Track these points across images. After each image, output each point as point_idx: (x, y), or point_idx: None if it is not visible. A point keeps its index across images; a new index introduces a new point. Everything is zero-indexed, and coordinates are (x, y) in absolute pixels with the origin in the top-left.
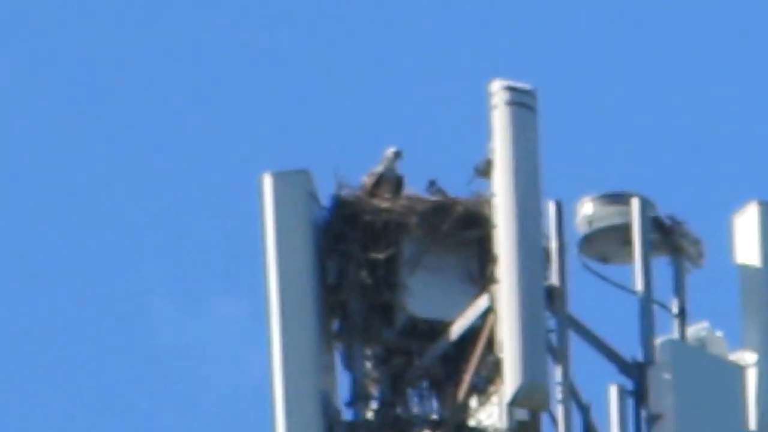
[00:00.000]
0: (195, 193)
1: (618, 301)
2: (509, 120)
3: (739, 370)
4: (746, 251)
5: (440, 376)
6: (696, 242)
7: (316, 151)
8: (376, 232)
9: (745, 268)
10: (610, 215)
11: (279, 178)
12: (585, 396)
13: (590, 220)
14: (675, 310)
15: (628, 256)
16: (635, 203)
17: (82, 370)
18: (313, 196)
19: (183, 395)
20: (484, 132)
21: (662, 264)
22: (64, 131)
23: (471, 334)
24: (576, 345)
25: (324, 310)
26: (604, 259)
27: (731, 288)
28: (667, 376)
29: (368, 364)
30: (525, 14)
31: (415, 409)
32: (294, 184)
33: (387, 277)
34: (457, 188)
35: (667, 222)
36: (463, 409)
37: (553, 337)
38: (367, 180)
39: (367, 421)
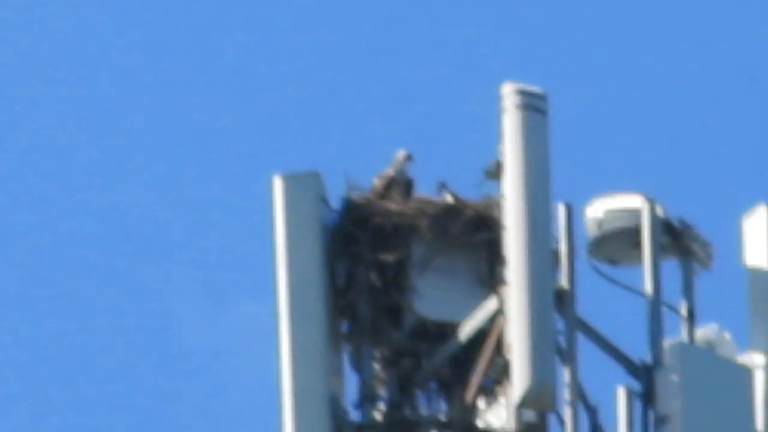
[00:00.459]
0: (210, 195)
1: (627, 304)
2: (520, 123)
3: (747, 373)
4: (755, 253)
5: (449, 378)
6: (705, 245)
7: (326, 154)
8: (386, 234)
9: (754, 271)
10: (620, 218)
11: (289, 181)
12: (593, 397)
13: (600, 223)
14: (684, 312)
15: (638, 259)
16: (645, 206)
17: (105, 372)
18: (323, 199)
19: (204, 396)
20: (494, 135)
21: (671, 266)
22: (87, 135)
23: (480, 336)
24: (584, 347)
25: (333, 312)
26: (613, 262)
27: (740, 290)
28: (675, 378)
29: (376, 366)
30: (536, 17)
31: (424, 411)
32: (304, 186)
33: (396, 280)
34: (467, 191)
35: (677, 224)
36: (472, 411)
37: (562, 339)
38: (377, 182)
39: (375, 423)
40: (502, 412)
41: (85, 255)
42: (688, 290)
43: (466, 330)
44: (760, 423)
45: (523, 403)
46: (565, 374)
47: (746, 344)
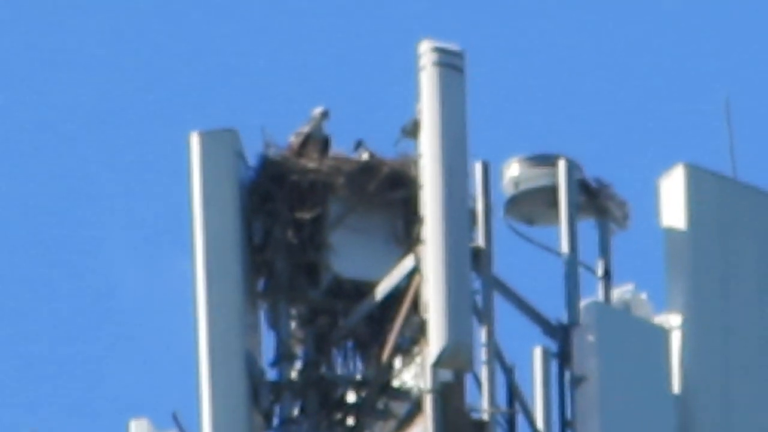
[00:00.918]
0: (132, 152)
1: (543, 263)
2: (437, 81)
3: (663, 333)
4: (672, 214)
5: (365, 337)
6: (622, 204)
7: (243, 111)
8: (303, 192)
9: (670, 231)
10: (537, 177)
11: (207, 137)
12: (509, 357)
13: (517, 182)
14: (600, 272)
15: (554, 218)
16: (561, 165)
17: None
18: (240, 156)
19: (130, 353)
20: (412, 93)
21: (588, 226)
22: (8, 102)
23: (396, 295)
24: (501, 307)
25: (250, 270)
26: (530, 221)
27: (656, 251)
28: (591, 338)
29: (293, 324)
30: None
31: (340, 370)
32: (221, 143)
33: (313, 237)
34: (384, 149)
35: (594, 184)
36: (388, 370)
37: (479, 299)
38: (294, 140)
39: (291, 381)
40: (419, 372)
41: (19, 220)
42: (604, 250)
43: (383, 288)
44: (675, 383)
45: (440, 363)
46: (481, 334)
47: (662, 305)
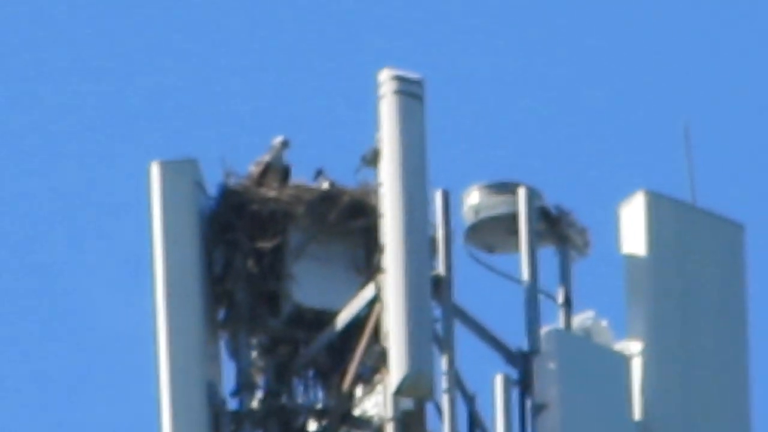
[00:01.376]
0: (87, 182)
1: (504, 291)
2: (397, 109)
3: (624, 360)
4: (632, 241)
5: (326, 366)
6: (582, 231)
7: (203, 140)
8: (263, 221)
9: (630, 258)
10: (497, 205)
11: (166, 167)
12: (470, 385)
13: (477, 210)
14: (561, 299)
15: (515, 246)
16: (521, 193)
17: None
18: (200, 185)
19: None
20: (372, 121)
21: (548, 253)
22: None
23: (357, 324)
24: (462, 334)
25: (210, 300)
26: (490, 249)
27: (617, 278)
28: (552, 365)
29: (254, 354)
30: (413, 4)
31: (301, 399)
32: (181, 172)
33: (273, 267)
34: (344, 178)
35: (554, 211)
36: (349, 399)
37: (439, 327)
38: (254, 169)
39: (252, 411)
40: (380, 400)
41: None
42: (565, 277)
43: (343, 318)
44: (636, 410)
45: (400, 391)
46: (442, 362)
47: (623, 332)
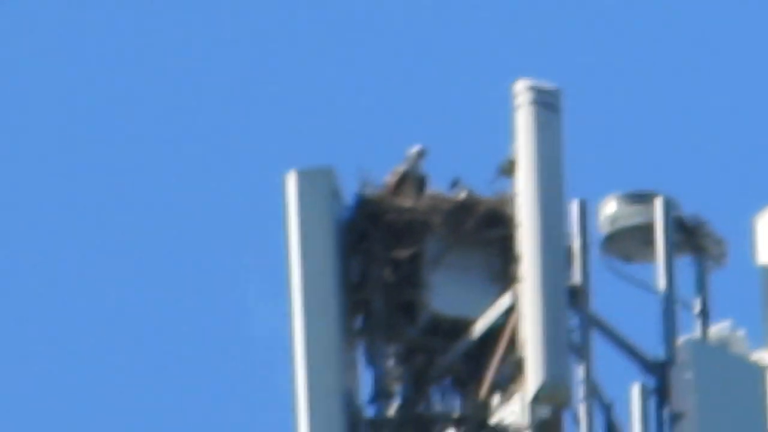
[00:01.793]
0: (223, 191)
1: (640, 301)
2: (533, 119)
3: (760, 370)
4: None
5: (462, 374)
6: (719, 242)
7: (340, 150)
8: (399, 230)
9: (767, 269)
10: (634, 214)
11: (303, 177)
12: (607, 394)
13: (613, 220)
14: (697, 309)
15: (651, 256)
16: (658, 203)
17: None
18: (336, 195)
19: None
20: (508, 132)
21: (685, 263)
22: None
23: (493, 332)
24: (598, 344)
25: (347, 308)
26: (626, 259)
27: (753, 288)
28: (689, 375)
29: (391, 362)
30: (549, 13)
31: (437, 407)
32: (318, 182)
33: (410, 276)
34: (480, 188)
35: (690, 222)
36: (486, 407)
37: (576, 336)
38: (390, 179)
39: (389, 419)
40: (517, 409)
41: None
42: (701, 287)
43: (480, 326)
44: None
45: (537, 399)
46: (579, 371)
47: (760, 342)
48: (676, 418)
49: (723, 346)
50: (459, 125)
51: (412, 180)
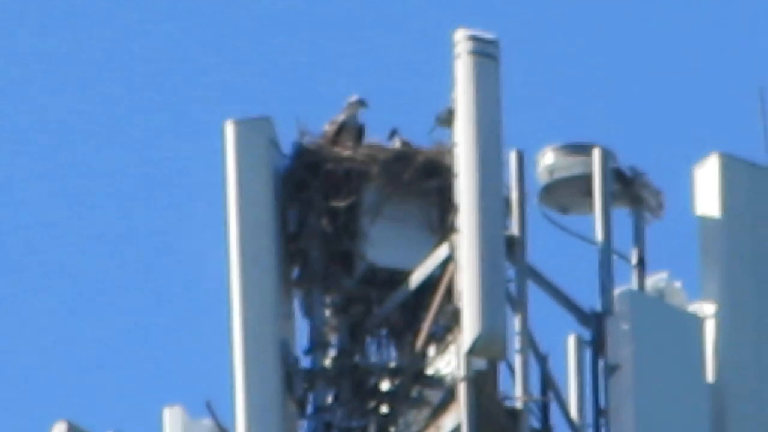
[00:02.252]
0: (162, 141)
1: (578, 252)
2: (472, 69)
3: (697, 321)
4: (706, 203)
5: (399, 325)
6: (656, 193)
7: (278, 99)
8: (338, 180)
9: (704, 220)
10: (571, 165)
11: (241, 126)
12: (543, 346)
13: (551, 170)
14: (634, 260)
15: (589, 207)
16: (596, 154)
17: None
18: (274, 144)
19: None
20: (447, 81)
21: (622, 214)
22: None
23: (430, 283)
24: (535, 295)
25: (284, 258)
26: (564, 209)
27: (691, 239)
28: (625, 326)
29: (327, 312)
30: None
31: (374, 358)
32: (256, 131)
33: (347, 226)
34: (419, 138)
35: (628, 173)
36: (422, 358)
37: (513, 287)
38: (328, 128)
39: (325, 369)
40: (452, 360)
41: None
42: (638, 239)
43: (417, 277)
44: (709, 372)
45: (473, 351)
46: (515, 322)
47: (696, 293)
48: (611, 369)
49: (660, 297)
50: (397, 75)
51: (351, 130)
